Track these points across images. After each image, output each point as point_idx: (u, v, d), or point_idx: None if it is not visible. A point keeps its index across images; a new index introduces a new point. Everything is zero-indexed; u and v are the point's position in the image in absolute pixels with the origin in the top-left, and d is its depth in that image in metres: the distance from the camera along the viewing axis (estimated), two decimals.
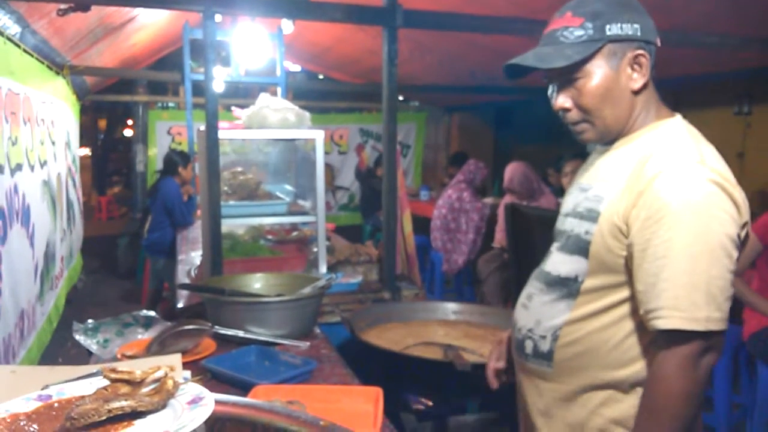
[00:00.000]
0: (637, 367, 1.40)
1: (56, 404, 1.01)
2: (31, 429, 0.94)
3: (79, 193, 6.84)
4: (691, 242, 1.27)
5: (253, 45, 5.70)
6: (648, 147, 1.40)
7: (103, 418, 0.91)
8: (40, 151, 4.45)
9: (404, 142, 10.14)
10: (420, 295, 3.26)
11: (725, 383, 3.42)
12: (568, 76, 1.43)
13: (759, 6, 3.65)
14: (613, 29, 1.37)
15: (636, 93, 1.43)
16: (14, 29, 3.63)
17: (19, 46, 3.84)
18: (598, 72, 1.40)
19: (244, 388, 1.68)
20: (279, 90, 5.58)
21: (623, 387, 1.42)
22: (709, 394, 3.63)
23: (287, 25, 5.51)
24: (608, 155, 1.49)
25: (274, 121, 3.19)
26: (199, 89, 6.46)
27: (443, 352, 2.27)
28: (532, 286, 1.59)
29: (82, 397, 0.99)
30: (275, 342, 2.16)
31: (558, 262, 1.52)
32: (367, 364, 2.14)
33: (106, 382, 1.03)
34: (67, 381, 1.10)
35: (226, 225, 3.15)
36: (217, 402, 1.00)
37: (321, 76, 10.47)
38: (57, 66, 5.32)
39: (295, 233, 4.26)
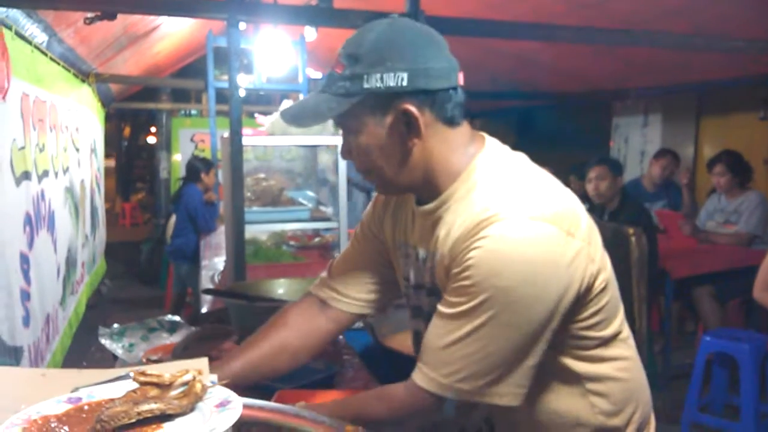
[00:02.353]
0: (582, 411, 1.29)
1: (86, 407, 1.02)
2: (62, 431, 0.96)
3: (102, 199, 6.92)
4: None
5: (275, 52, 5.74)
6: (466, 207, 1.21)
7: (133, 420, 0.92)
8: (64, 158, 4.51)
9: None
10: None
11: (752, 392, 3.37)
12: (341, 128, 1.28)
13: None
14: (372, 80, 1.17)
15: (411, 151, 1.23)
16: (41, 38, 3.69)
17: (46, 54, 3.90)
18: (363, 129, 1.22)
19: (267, 393, 1.68)
20: (301, 97, 5.62)
21: None
22: (736, 403, 3.58)
23: (310, 33, 5.54)
24: (431, 219, 1.29)
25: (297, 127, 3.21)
26: (221, 97, 6.53)
27: None
28: None
29: (112, 400, 1.01)
30: None
31: None
32: (389, 369, 2.14)
33: (135, 385, 1.04)
34: (96, 384, 1.12)
35: (249, 231, 3.17)
36: (244, 406, 1.01)
37: None
38: (83, 74, 5.40)
39: (317, 239, 4.27)
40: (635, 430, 1.35)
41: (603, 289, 1.23)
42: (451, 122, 1.24)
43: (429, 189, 1.28)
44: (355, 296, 1.52)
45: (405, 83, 1.17)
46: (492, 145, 1.30)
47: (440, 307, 1.21)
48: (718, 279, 4.38)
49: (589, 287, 1.20)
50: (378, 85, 1.17)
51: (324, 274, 1.59)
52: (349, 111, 1.20)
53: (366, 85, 1.17)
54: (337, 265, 1.57)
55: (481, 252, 1.12)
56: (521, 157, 1.30)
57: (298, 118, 1.26)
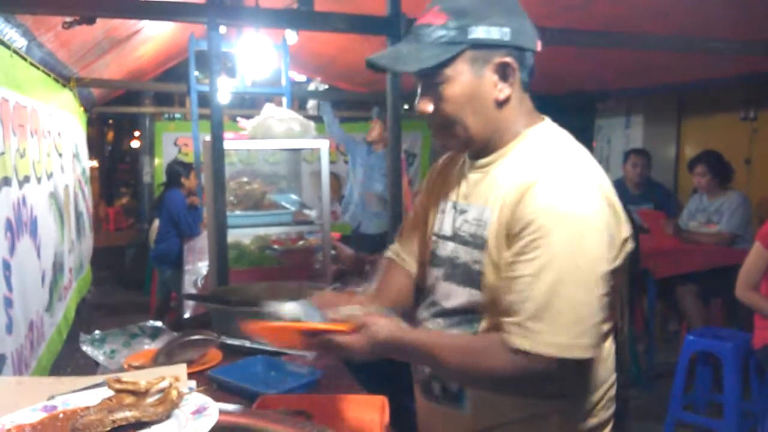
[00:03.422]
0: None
1: (61, 415, 1.01)
2: None
3: (88, 204, 6.86)
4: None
5: (258, 56, 5.73)
6: (520, 165, 1.29)
7: (108, 428, 0.91)
8: (47, 163, 4.47)
9: (410, 151, 10.14)
10: None
11: (735, 390, 3.40)
12: (429, 79, 1.30)
13: (763, 9, 3.64)
14: (477, 32, 1.24)
15: (502, 103, 1.31)
16: (21, 42, 3.65)
17: (25, 59, 3.87)
18: (459, 78, 1.27)
19: (250, 398, 1.67)
20: (284, 100, 5.60)
21: (544, 415, 1.32)
22: (719, 400, 3.61)
23: (291, 36, 5.53)
24: (482, 173, 1.37)
25: (279, 131, 3.21)
26: (205, 100, 6.49)
27: None
28: (428, 322, 1.45)
29: (87, 408, 1.00)
30: (281, 352, 2.15)
31: (448, 294, 1.40)
32: (372, 373, 2.13)
33: (111, 393, 1.03)
34: (72, 392, 1.11)
35: (232, 235, 3.16)
36: (222, 412, 1.00)
37: (326, 86, 10.48)
38: (64, 78, 5.35)
39: (301, 243, 4.26)
40: (600, 421, 1.37)
41: (619, 268, 1.28)
42: (526, 85, 1.34)
43: (490, 144, 1.35)
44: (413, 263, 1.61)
45: (508, 38, 1.25)
46: (551, 122, 1.40)
47: (520, 270, 1.20)
48: (701, 278, 4.41)
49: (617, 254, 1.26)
50: (483, 36, 1.24)
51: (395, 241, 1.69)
52: (448, 60, 1.26)
53: (471, 36, 1.24)
54: (402, 232, 1.67)
55: (538, 204, 1.19)
56: (573, 140, 1.38)
57: (395, 62, 1.29)
